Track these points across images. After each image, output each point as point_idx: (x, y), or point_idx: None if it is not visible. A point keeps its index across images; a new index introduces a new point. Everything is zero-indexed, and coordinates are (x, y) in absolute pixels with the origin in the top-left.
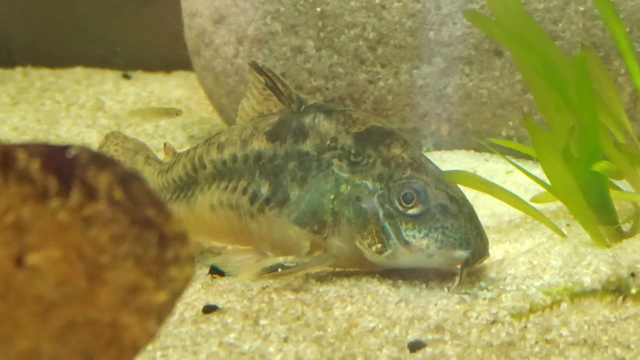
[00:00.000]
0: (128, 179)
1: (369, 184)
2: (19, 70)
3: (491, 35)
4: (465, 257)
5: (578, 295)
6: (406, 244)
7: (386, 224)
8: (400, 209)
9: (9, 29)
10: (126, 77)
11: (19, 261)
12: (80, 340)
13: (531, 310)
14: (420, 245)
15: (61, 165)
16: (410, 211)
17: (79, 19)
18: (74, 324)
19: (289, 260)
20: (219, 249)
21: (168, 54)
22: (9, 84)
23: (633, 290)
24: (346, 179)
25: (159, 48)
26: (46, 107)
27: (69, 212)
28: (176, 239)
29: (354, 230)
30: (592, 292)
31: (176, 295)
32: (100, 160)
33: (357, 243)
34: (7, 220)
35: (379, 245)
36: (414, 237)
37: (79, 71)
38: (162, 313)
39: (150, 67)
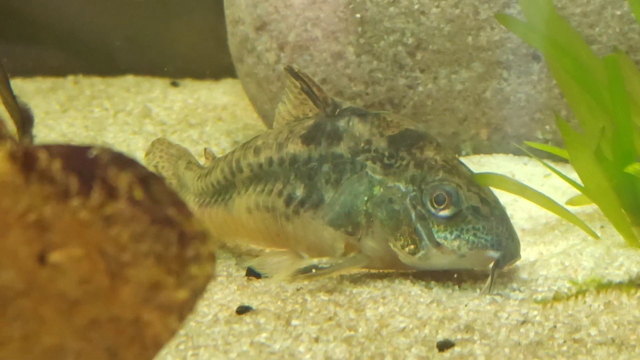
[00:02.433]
0: (148, 179)
1: (402, 185)
2: (70, 78)
3: (525, 39)
4: (497, 257)
5: (604, 286)
6: (438, 245)
7: (418, 226)
8: (433, 210)
9: (62, 38)
10: (174, 84)
11: (41, 259)
12: (104, 336)
13: (555, 299)
14: (452, 247)
15: (82, 165)
16: (442, 213)
17: (130, 29)
18: (97, 321)
19: (323, 261)
20: (257, 252)
21: (217, 62)
22: (60, 92)
23: None
24: (379, 181)
25: (208, 56)
26: (94, 114)
27: (90, 211)
28: (197, 237)
29: (387, 232)
30: (618, 285)
31: (197, 292)
32: (120, 160)
33: (390, 244)
34: (30, 219)
35: (412, 247)
36: (445, 238)
37: (129, 79)
38: (184, 310)
39: (199, 75)
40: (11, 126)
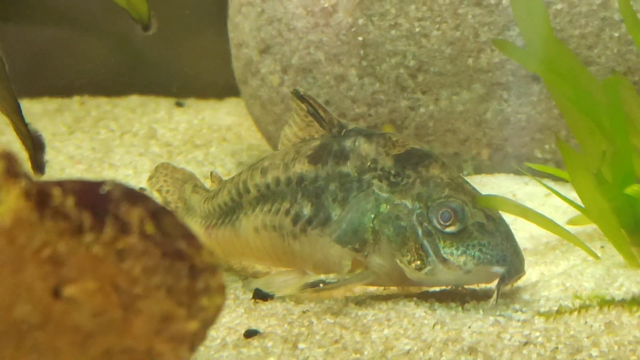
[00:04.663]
0: (159, 214)
1: (408, 203)
2: (76, 99)
3: (523, 63)
4: (502, 273)
5: (607, 303)
6: (444, 260)
7: (425, 242)
8: (439, 227)
9: (67, 58)
10: (179, 104)
11: (56, 293)
12: None
13: (559, 312)
14: (458, 262)
15: (95, 201)
16: (448, 229)
17: (136, 49)
18: (111, 352)
19: (330, 277)
20: (263, 274)
21: (220, 82)
22: (66, 113)
23: None
24: (386, 199)
25: (212, 76)
26: (101, 136)
27: (103, 246)
28: (207, 269)
29: (394, 248)
30: (620, 303)
31: (207, 323)
32: (132, 195)
33: (397, 260)
34: (45, 255)
35: (418, 262)
36: (451, 254)
37: (134, 99)
38: (194, 341)
39: (203, 94)
40: (23, 153)
